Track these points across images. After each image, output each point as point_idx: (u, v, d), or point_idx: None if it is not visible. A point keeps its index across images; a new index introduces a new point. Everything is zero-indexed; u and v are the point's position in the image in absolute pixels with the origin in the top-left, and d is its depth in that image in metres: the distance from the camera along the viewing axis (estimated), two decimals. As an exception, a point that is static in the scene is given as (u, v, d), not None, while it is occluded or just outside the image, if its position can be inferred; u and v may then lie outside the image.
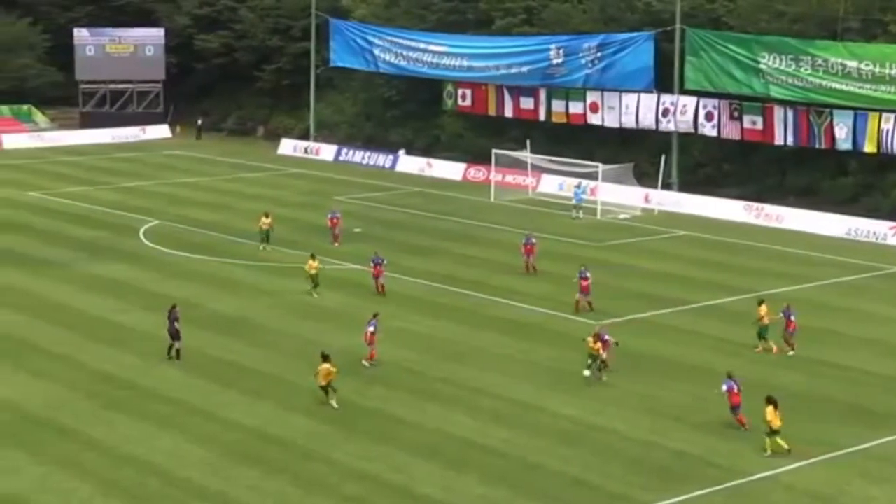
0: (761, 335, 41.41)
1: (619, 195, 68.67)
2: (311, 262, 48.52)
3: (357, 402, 36.21)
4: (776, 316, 41.34)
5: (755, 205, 66.58)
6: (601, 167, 67.56)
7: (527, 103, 79.16)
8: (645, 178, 70.63)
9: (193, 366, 39.36)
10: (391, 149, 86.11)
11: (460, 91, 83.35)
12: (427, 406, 35.85)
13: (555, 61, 76.69)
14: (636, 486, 30.32)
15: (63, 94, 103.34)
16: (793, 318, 41.11)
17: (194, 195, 72.64)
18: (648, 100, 72.70)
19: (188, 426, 33.97)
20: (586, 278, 46.26)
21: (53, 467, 31.14)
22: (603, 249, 58.65)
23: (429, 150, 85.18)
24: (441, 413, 35.26)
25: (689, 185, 71.36)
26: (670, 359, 40.88)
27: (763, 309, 41.49)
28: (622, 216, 66.80)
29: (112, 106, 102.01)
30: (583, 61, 75.34)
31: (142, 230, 61.26)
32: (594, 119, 75.51)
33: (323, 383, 35.39)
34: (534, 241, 53.10)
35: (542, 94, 78.08)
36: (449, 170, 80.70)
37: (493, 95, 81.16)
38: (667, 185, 70.90)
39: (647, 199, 69.21)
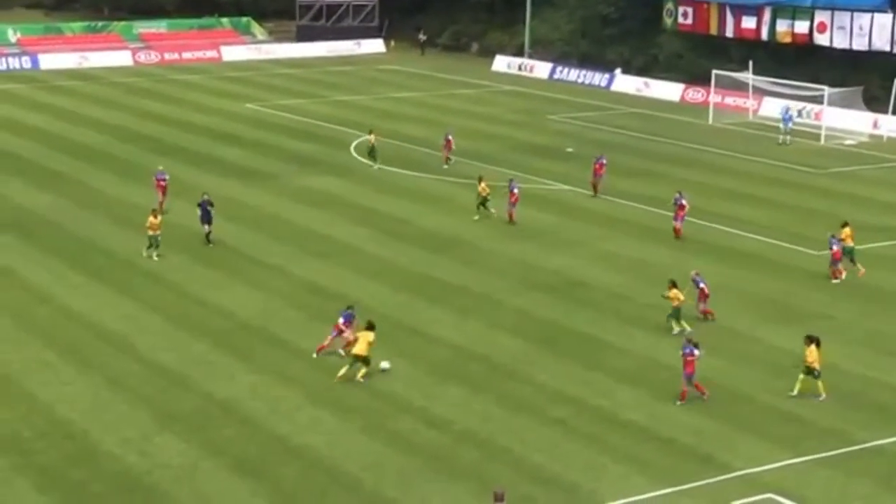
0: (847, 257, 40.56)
1: (845, 120, 65.67)
2: (479, 185, 47.05)
3: (565, 324, 35.64)
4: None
5: None
6: (827, 90, 64.68)
7: (749, 22, 76.27)
8: (874, 102, 67.38)
9: (401, 282, 39.42)
10: (607, 67, 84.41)
11: (681, 9, 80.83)
12: (636, 332, 35.02)
13: (782, -22, 73.60)
14: (851, 423, 29.12)
15: (280, 8, 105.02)
16: (835, 247, 39.95)
17: (407, 110, 72.81)
18: (883, 19, 68.95)
19: (395, 341, 33.94)
20: (682, 206, 44.44)
21: (264, 375, 31.67)
22: (826, 177, 56.25)
23: (646, 70, 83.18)
24: (650, 340, 34.42)
25: (923, 110, 67.76)
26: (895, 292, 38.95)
27: (847, 231, 40.55)
28: (848, 142, 63.94)
29: (328, 20, 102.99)
30: (813, -22, 72.07)
31: (353, 144, 61.68)
32: (821, 40, 72.22)
33: (361, 353, 31.13)
34: (604, 161, 51.26)
35: (767, 13, 75.07)
36: (666, 90, 78.72)
37: (715, 14, 78.48)
38: (898, 111, 67.56)
39: (875, 125, 66.02)
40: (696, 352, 30.05)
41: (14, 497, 25.35)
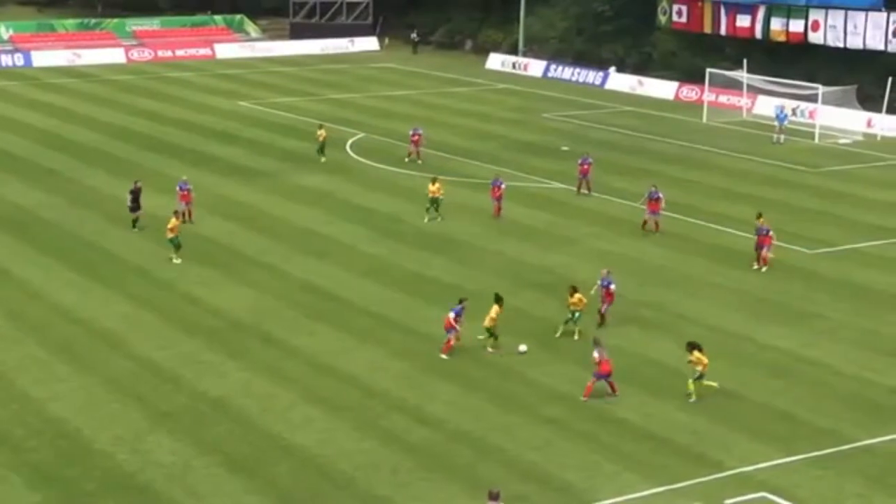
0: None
1: (839, 119, 65.66)
2: (430, 185, 46.69)
3: (559, 322, 35.53)
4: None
5: None
6: (821, 89, 64.62)
7: (743, 21, 76.26)
8: (868, 101, 67.31)
9: (394, 280, 39.34)
10: (601, 66, 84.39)
11: (675, 7, 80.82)
12: (629, 330, 34.97)
13: (776, -24, 73.57)
14: (847, 422, 29.10)
15: (274, 5, 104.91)
16: (770, 233, 40.61)
17: (401, 109, 72.69)
18: (878, 18, 68.98)
19: (388, 340, 33.96)
20: (658, 198, 44.72)
21: (256, 373, 31.60)
22: (820, 175, 56.22)
23: (640, 68, 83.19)
24: (643, 338, 34.40)
25: (917, 109, 67.79)
26: (891, 292, 38.91)
27: (762, 221, 41.13)
28: (842, 141, 63.94)
29: (322, 17, 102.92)
30: (806, -24, 72.05)
31: (348, 142, 61.57)
32: (815, 38, 72.20)
33: (486, 324, 33.03)
34: (590, 160, 51.12)
35: (761, 12, 75.06)
36: (661, 89, 78.72)
37: (710, 12, 78.45)
38: (892, 110, 67.39)
39: (869, 124, 66.04)
40: (595, 354, 29.95)
41: (6, 495, 25.27)
